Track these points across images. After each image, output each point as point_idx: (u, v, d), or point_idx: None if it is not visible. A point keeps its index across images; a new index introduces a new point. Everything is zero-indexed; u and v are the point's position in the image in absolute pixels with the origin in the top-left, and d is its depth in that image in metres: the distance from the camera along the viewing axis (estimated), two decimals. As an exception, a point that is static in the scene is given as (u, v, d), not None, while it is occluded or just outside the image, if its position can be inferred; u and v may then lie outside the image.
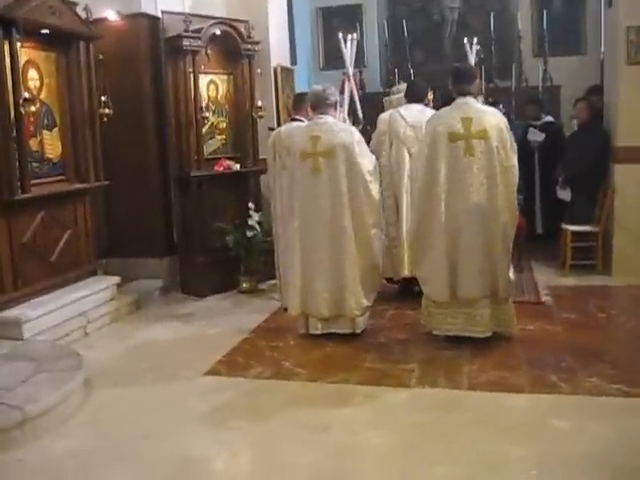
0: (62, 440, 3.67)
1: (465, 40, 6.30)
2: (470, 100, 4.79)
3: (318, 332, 5.08)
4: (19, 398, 3.80)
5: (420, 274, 4.98)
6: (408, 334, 5.17)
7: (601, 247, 6.57)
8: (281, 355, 4.85)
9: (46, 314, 5.06)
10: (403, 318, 5.54)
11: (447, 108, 4.89)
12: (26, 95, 4.77)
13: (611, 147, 6.52)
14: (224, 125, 6.63)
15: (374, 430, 3.67)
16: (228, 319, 5.75)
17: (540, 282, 6.45)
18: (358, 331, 5.08)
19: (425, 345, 4.90)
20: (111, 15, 5.91)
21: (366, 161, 4.99)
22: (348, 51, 5.56)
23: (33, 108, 4.80)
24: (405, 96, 5.97)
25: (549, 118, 7.89)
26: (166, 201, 6.56)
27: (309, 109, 5.14)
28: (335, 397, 4.12)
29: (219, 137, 6.61)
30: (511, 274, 4.96)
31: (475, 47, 7.87)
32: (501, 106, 7.15)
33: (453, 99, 4.80)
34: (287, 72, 7.16)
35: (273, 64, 6.93)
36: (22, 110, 4.73)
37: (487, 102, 6.57)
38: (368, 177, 4.96)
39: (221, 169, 6.48)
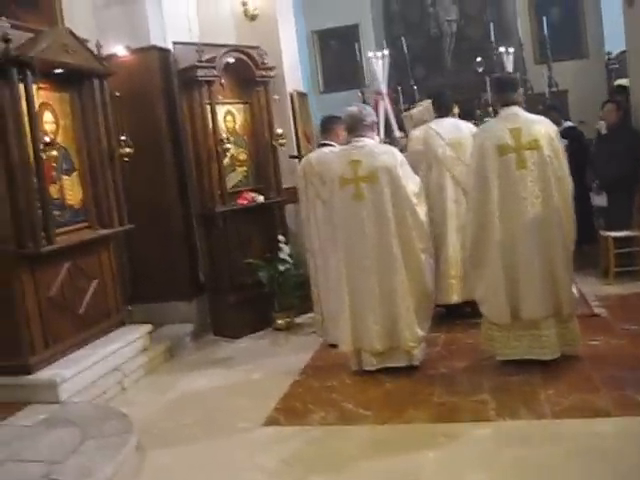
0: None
1: (502, 49, 6.04)
2: (517, 109, 4.55)
3: (373, 368, 4.76)
4: (72, 472, 3.48)
5: (478, 295, 4.70)
6: (468, 361, 4.87)
7: (645, 252, 6.33)
8: (340, 396, 4.52)
9: (81, 372, 4.72)
10: (458, 344, 5.25)
11: (493, 120, 4.71)
12: (46, 139, 4.49)
13: (641, 147, 6.31)
14: (244, 156, 6.35)
15: (471, 473, 3.36)
16: (271, 360, 5.41)
17: (586, 293, 6.18)
18: (416, 363, 4.76)
19: (491, 372, 4.60)
20: (120, 50, 5.63)
21: (411, 183, 4.71)
22: (380, 68, 5.29)
23: (55, 153, 4.52)
24: (435, 110, 5.72)
25: (569, 123, 7.69)
26: (190, 240, 6.25)
27: (344, 132, 4.91)
28: (413, 439, 3.81)
29: (240, 169, 6.33)
30: (574, 289, 4.70)
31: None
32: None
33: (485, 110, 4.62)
34: (302, 97, 6.90)
35: (289, 90, 6.67)
36: (43, 155, 4.44)
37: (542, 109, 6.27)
38: (414, 200, 4.68)
39: (245, 202, 6.19)
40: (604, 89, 9.72)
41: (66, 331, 4.88)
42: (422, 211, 4.74)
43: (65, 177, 5.00)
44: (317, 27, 10.60)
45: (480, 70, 7.44)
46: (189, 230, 6.25)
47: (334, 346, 5.07)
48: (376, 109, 5.71)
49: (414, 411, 4.14)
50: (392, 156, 4.69)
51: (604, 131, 6.82)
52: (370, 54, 5.30)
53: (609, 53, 9.65)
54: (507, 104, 4.57)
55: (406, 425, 3.98)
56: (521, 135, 4.41)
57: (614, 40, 9.63)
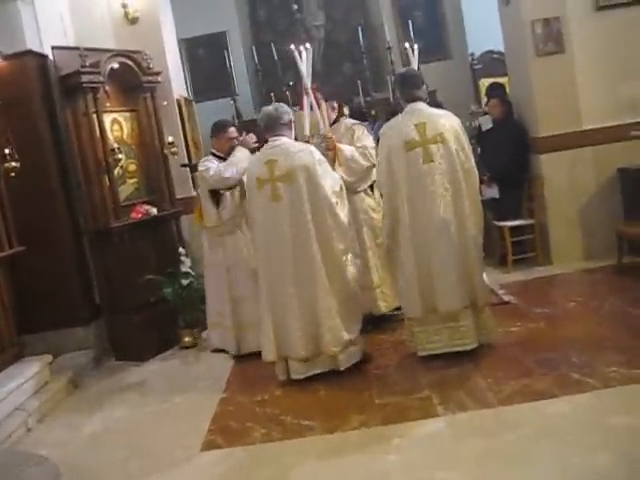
0: None
1: (407, 45, 6.08)
2: (422, 105, 4.58)
3: (301, 376, 4.57)
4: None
5: (398, 289, 4.73)
6: (397, 359, 4.81)
7: (539, 238, 6.58)
8: (275, 409, 4.30)
9: (-17, 416, 4.18)
10: (380, 343, 5.16)
11: (398, 116, 4.65)
12: None
13: (529, 139, 6.56)
14: (134, 167, 5.95)
15: (439, 471, 3.26)
16: (187, 380, 5.08)
17: (490, 282, 6.31)
18: (342, 368, 4.60)
19: (424, 368, 4.55)
20: (-12, 56, 5.09)
21: (329, 181, 4.58)
22: (304, 63, 5.09)
23: None
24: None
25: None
26: (81, 259, 5.75)
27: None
28: (369, 444, 3.66)
29: (130, 181, 5.92)
30: (485, 278, 4.78)
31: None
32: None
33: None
34: (189, 103, 6.59)
35: (175, 95, 6.34)
36: None
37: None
38: (334, 199, 4.54)
39: (139, 216, 5.79)
40: (470, 88, 10.11)
41: (-42, 371, 4.31)
42: (343, 211, 4.61)
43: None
44: (185, 35, 10.25)
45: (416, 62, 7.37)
46: (80, 249, 5.75)
47: (218, 351, 5.31)
48: (301, 106, 5.48)
49: (359, 416, 3.99)
50: (309, 154, 4.54)
51: (489, 125, 7.03)
52: (292, 47, 5.04)
53: (472, 54, 10.02)
54: (412, 100, 4.57)
55: (357, 431, 3.83)
56: (426, 129, 4.43)
57: (476, 42, 10.10)
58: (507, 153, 6.55)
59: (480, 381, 4.20)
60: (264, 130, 4.66)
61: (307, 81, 5.20)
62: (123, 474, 3.76)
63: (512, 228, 6.57)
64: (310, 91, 5.21)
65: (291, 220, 4.47)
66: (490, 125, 7.01)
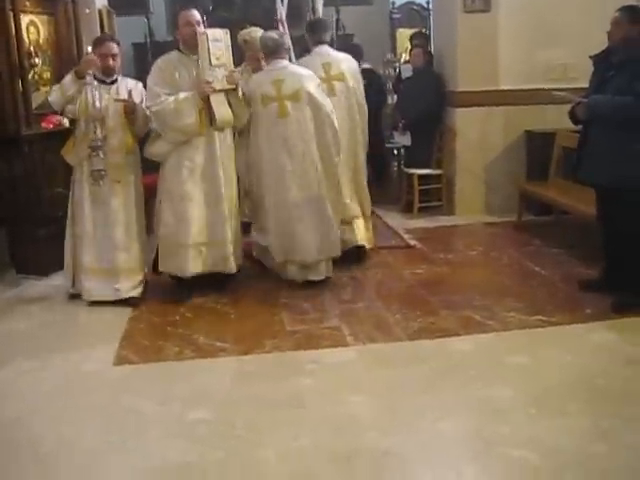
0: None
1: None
2: (327, 48, 5.40)
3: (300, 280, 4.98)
4: None
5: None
6: (311, 290, 4.91)
7: (445, 188, 6.84)
8: (188, 330, 4.31)
9: None
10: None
11: (309, 56, 5.38)
12: None
13: (445, 92, 6.75)
14: (48, 75, 5.65)
15: (351, 396, 3.41)
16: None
17: (394, 226, 6.56)
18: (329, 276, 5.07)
19: (334, 301, 4.73)
20: None
21: (327, 102, 4.95)
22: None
23: None
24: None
25: (367, 65, 7.92)
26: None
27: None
28: (283, 367, 3.78)
29: (44, 89, 5.61)
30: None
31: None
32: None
33: None
34: (110, 15, 6.31)
35: (97, 5, 6.05)
36: None
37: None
38: (332, 116, 4.92)
39: (51, 126, 5.53)
40: (386, 36, 10.21)
41: None
42: (337, 127, 4.96)
43: None
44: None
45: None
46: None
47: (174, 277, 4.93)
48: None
49: (272, 340, 4.10)
50: (312, 77, 4.95)
51: (409, 73, 7.16)
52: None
53: (393, 3, 10.10)
54: (319, 43, 5.34)
55: (270, 354, 3.94)
56: (331, 68, 5.24)
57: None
58: (423, 102, 6.72)
59: (388, 316, 4.41)
60: (268, 53, 4.94)
61: (283, 11, 5.99)
62: (32, 385, 3.67)
63: (421, 176, 6.79)
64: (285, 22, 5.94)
65: (297, 134, 4.83)
66: (410, 73, 7.14)
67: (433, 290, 4.85)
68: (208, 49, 4.48)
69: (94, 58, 4.54)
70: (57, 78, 5.66)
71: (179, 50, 4.75)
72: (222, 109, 4.63)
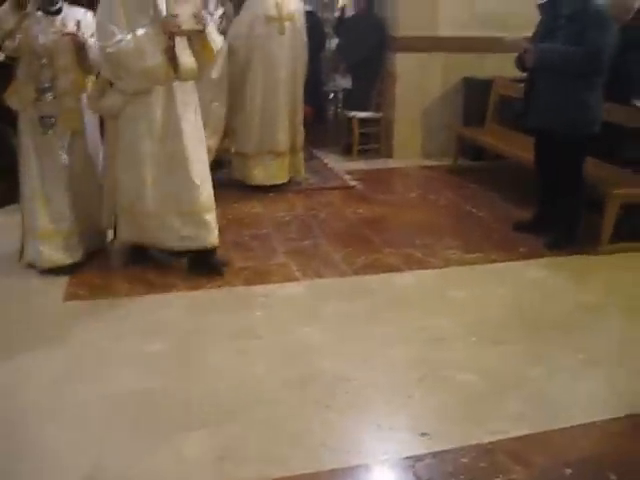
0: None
1: None
2: None
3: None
4: None
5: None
6: (252, 229, 4.98)
7: (384, 132, 6.96)
8: (136, 268, 4.26)
9: None
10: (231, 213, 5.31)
11: None
12: None
13: (386, 36, 6.81)
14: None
15: (305, 326, 3.54)
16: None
17: (334, 168, 6.66)
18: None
19: (281, 239, 4.80)
20: None
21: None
22: None
23: None
24: None
25: (308, 8, 7.87)
26: None
27: None
28: (235, 301, 3.86)
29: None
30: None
31: None
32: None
33: None
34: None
35: None
36: None
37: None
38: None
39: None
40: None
41: None
42: None
43: None
44: None
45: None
46: None
47: None
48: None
49: (221, 276, 4.15)
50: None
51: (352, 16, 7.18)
52: None
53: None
54: None
55: (221, 289, 4.00)
56: (283, 8, 5.63)
57: None
58: (365, 46, 6.77)
59: (333, 254, 4.54)
60: None
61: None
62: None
63: (360, 119, 6.88)
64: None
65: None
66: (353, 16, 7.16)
67: (375, 229, 5.00)
68: None
69: None
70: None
71: None
72: (185, 56, 3.92)
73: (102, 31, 3.78)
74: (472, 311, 3.73)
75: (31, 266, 4.17)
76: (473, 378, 3.05)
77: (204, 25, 3.93)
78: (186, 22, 3.82)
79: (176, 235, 4.06)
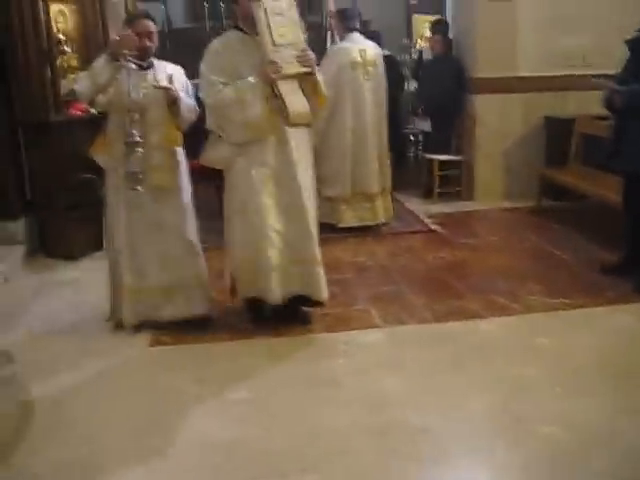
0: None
1: None
2: (358, 35, 5.98)
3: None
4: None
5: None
6: (337, 274, 4.98)
7: (465, 174, 6.92)
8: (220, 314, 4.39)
9: None
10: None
11: (345, 42, 5.95)
12: None
13: (465, 78, 6.81)
14: (75, 63, 5.74)
15: (385, 375, 3.52)
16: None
17: (415, 210, 6.66)
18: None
19: (363, 285, 4.80)
20: None
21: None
22: None
23: None
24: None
25: (386, 52, 7.97)
26: (16, 152, 5.56)
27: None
28: (316, 348, 3.88)
29: (71, 76, 5.69)
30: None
31: None
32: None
33: None
34: (133, 3, 6.38)
35: (123, -8, 6.15)
36: None
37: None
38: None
39: (78, 112, 5.64)
40: (402, 22, 10.24)
41: None
42: None
43: None
44: None
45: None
46: (15, 140, 5.56)
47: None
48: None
49: (303, 323, 4.19)
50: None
51: (429, 57, 7.23)
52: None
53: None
54: (350, 30, 5.94)
55: (303, 336, 4.03)
56: (366, 54, 5.86)
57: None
58: (444, 89, 6.79)
59: (415, 300, 4.51)
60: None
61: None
62: (70, 365, 3.77)
63: (440, 162, 6.87)
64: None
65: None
66: (430, 59, 7.21)
67: (457, 274, 4.95)
68: (268, 24, 3.61)
69: (132, 34, 3.78)
70: (84, 66, 5.77)
71: (238, 29, 3.89)
72: (295, 99, 3.70)
73: (204, 82, 3.79)
74: (557, 360, 3.62)
75: (119, 321, 4.17)
76: (558, 431, 2.95)
77: (311, 66, 3.77)
78: (289, 66, 3.67)
79: (295, 285, 3.94)
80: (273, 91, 3.66)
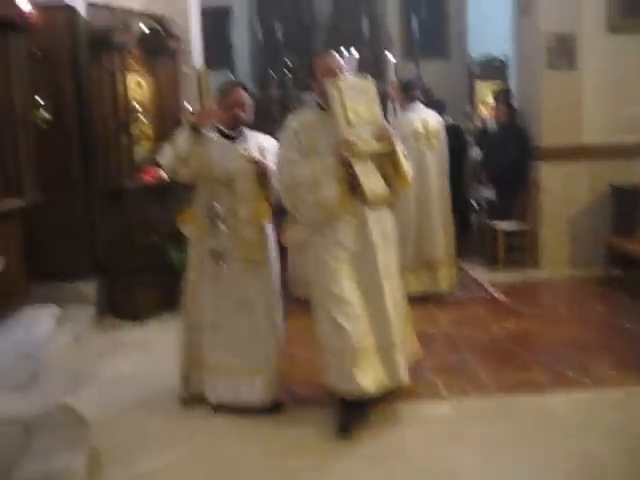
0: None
1: (387, 53, 6.99)
2: (420, 105, 6.10)
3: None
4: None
5: None
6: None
7: (530, 242, 6.86)
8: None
9: (-5, 358, 4.23)
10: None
11: (408, 113, 6.01)
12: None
13: (529, 146, 6.82)
14: (150, 130, 5.99)
15: (451, 448, 3.47)
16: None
17: (479, 279, 6.60)
18: None
19: (427, 354, 4.73)
20: (25, 5, 5.04)
21: None
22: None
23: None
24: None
25: (450, 120, 8.07)
26: (90, 215, 5.78)
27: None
28: (383, 419, 3.81)
29: (145, 143, 5.97)
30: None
31: (355, 54, 7.95)
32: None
33: None
34: (206, 72, 6.61)
35: (196, 64, 6.40)
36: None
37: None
38: None
39: (150, 178, 5.85)
40: (465, 89, 10.35)
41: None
42: None
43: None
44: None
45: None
46: (90, 204, 5.78)
47: None
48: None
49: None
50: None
51: (493, 127, 7.28)
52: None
53: (471, 56, 10.25)
54: (412, 100, 6.05)
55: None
56: (428, 124, 5.94)
57: (476, 44, 10.35)
58: (508, 157, 6.79)
59: (480, 371, 4.44)
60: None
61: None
62: (136, 427, 3.84)
63: (505, 230, 6.83)
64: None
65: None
66: (494, 127, 7.26)
67: (522, 345, 4.86)
68: (343, 103, 3.48)
69: (215, 109, 3.81)
70: (158, 134, 6.03)
71: (318, 105, 3.76)
72: (371, 179, 3.57)
73: (279, 159, 3.71)
74: (630, 437, 3.50)
75: (195, 396, 4.00)
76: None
77: (392, 145, 3.64)
78: (365, 144, 3.54)
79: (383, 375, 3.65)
80: (348, 171, 3.53)
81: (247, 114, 3.88)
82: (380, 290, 3.62)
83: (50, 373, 4.59)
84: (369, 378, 3.55)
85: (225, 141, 3.85)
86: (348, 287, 3.57)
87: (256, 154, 3.82)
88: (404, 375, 3.69)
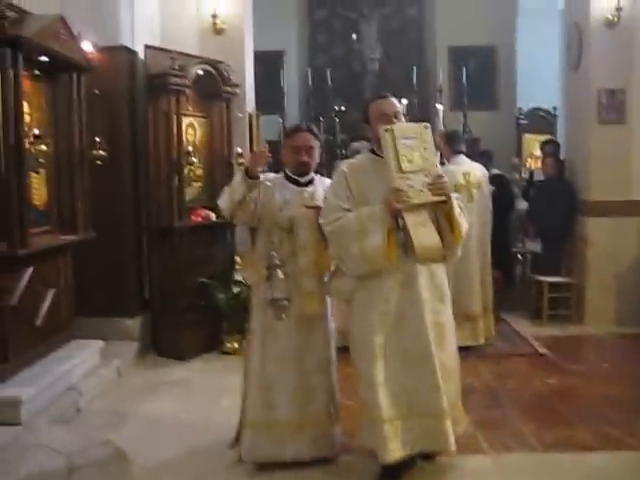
0: None
1: (437, 105, 7.05)
2: (464, 157, 6.09)
3: None
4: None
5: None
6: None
7: (575, 296, 6.77)
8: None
9: (41, 391, 4.31)
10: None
11: (451, 165, 5.94)
12: (36, 131, 4.12)
13: (577, 201, 6.78)
14: (200, 172, 6.13)
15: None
16: (231, 385, 5.14)
17: (522, 333, 6.52)
18: None
19: (469, 408, 4.67)
20: (87, 46, 5.25)
21: None
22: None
23: (44, 147, 4.16)
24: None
25: (496, 171, 8.07)
26: (139, 253, 5.91)
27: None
28: (422, 473, 3.74)
29: (195, 184, 6.10)
30: None
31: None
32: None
33: None
34: (257, 117, 6.80)
35: (248, 109, 6.56)
36: (32, 149, 4.06)
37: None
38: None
39: (200, 219, 5.97)
40: (513, 141, 10.35)
41: (24, 344, 4.46)
42: None
43: (33, 174, 4.57)
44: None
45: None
46: (139, 243, 5.92)
47: None
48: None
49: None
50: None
51: (540, 177, 7.28)
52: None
53: (520, 108, 10.28)
54: (456, 153, 6.04)
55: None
56: (470, 177, 5.90)
57: (524, 96, 10.38)
58: (555, 210, 6.76)
59: (522, 426, 4.36)
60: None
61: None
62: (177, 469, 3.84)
63: (550, 283, 6.76)
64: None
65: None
66: (541, 177, 7.25)
67: (566, 401, 4.77)
68: (395, 150, 3.28)
69: (264, 152, 3.66)
70: (208, 175, 6.17)
71: (372, 152, 3.59)
72: (423, 232, 3.30)
73: (326, 206, 3.50)
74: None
75: (243, 457, 3.81)
76: None
77: (446, 195, 3.36)
78: (417, 194, 3.30)
79: (417, 441, 3.46)
80: (398, 223, 3.34)
81: (313, 158, 3.71)
82: (426, 351, 3.40)
83: (93, 407, 4.67)
84: (399, 446, 3.39)
85: (291, 185, 3.70)
86: (382, 346, 3.39)
87: (321, 200, 3.61)
88: (451, 441, 3.45)
